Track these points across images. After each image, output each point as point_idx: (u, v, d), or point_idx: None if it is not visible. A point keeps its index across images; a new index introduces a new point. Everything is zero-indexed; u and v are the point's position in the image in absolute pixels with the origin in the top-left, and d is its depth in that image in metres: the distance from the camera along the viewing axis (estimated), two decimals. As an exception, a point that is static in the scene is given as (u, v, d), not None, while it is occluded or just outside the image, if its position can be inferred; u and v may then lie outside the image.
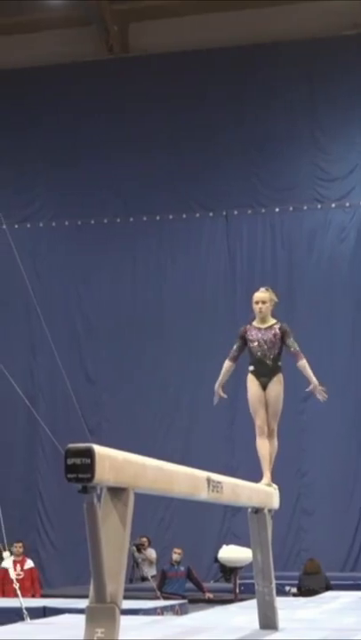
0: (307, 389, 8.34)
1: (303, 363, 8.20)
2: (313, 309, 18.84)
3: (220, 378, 8.37)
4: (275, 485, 7.90)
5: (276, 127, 19.65)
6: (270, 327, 8.17)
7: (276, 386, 8.15)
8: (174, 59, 20.07)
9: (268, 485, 7.87)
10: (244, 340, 8.21)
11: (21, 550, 14.47)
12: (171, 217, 20.04)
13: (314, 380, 8.25)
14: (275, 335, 8.14)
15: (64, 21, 20.43)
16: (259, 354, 8.15)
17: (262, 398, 8.17)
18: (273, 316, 8.28)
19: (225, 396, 8.44)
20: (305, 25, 19.52)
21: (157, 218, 20.09)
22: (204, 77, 19.98)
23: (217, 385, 8.38)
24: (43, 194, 20.67)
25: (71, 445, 3.65)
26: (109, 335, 19.78)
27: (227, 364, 8.32)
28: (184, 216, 20.04)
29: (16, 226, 18.90)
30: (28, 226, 20.32)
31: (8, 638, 7.15)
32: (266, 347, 8.14)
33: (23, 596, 10.76)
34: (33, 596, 13.15)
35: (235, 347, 8.26)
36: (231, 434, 18.03)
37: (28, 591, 11.43)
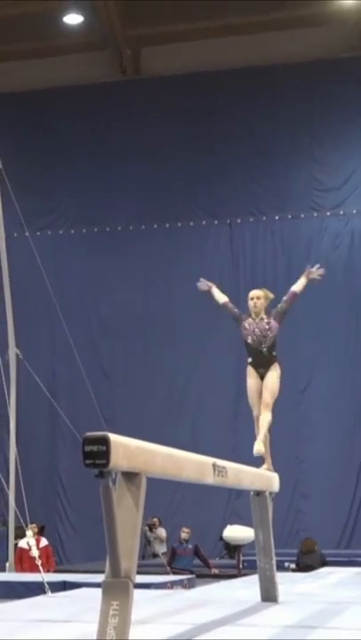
0: (309, 276, 8.54)
1: (296, 285, 8.46)
2: (310, 310, 18.81)
3: (215, 291, 8.64)
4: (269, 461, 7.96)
5: (277, 142, 19.65)
6: (262, 319, 8.26)
7: (273, 372, 8.20)
8: (183, 79, 20.08)
9: (269, 470, 7.90)
10: (240, 319, 8.32)
11: (36, 530, 14.49)
12: (179, 224, 20.06)
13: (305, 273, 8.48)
14: (268, 324, 8.23)
15: (82, 46, 20.46)
16: (254, 343, 8.21)
17: (260, 390, 8.22)
18: (266, 312, 8.37)
19: (205, 283, 8.70)
20: (305, 48, 19.54)
21: (167, 225, 20.10)
22: (210, 97, 19.99)
23: (212, 287, 8.59)
24: (62, 204, 20.71)
25: (88, 434, 3.66)
26: (123, 334, 19.80)
27: (224, 299, 8.55)
28: (191, 223, 20.05)
29: (38, 233, 18.93)
30: (49, 233, 20.36)
31: (32, 609, 7.18)
32: (261, 335, 8.21)
33: (39, 571, 10.79)
34: (48, 571, 13.16)
35: (236, 310, 8.41)
36: (235, 423, 18.02)
37: (43, 567, 11.44)
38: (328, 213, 19.51)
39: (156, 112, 20.07)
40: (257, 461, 7.98)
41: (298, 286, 8.47)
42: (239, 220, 19.90)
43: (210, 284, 8.77)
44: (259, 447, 7.91)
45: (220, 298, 8.62)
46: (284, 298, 8.44)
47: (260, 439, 8.01)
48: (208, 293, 8.78)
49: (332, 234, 19.45)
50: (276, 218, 19.75)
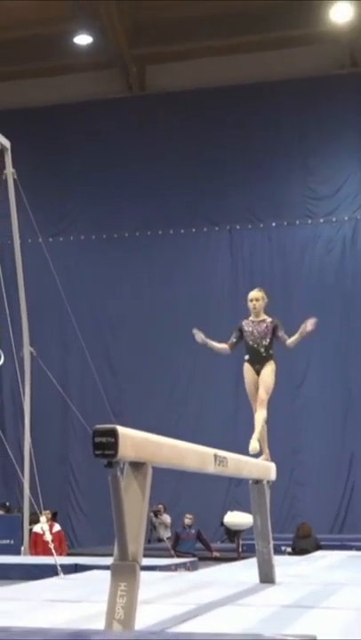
0: (305, 330, 8.03)
1: (291, 340, 8.13)
2: (305, 310, 18.73)
3: (212, 343, 8.34)
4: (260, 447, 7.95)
5: (274, 154, 19.66)
6: (263, 320, 8.25)
7: (268, 367, 8.18)
8: (185, 95, 20.11)
9: (267, 460, 7.89)
10: (241, 333, 8.28)
11: (49, 516, 14.47)
12: (182, 231, 20.06)
13: (301, 331, 8.07)
14: (266, 327, 8.21)
15: (91, 65, 20.50)
16: (252, 343, 8.21)
17: (257, 384, 8.21)
18: (265, 312, 8.34)
19: (200, 336, 8.37)
20: (300, 66, 19.57)
21: (171, 232, 20.11)
22: (211, 112, 20.00)
23: (207, 340, 8.29)
24: (73, 212, 20.73)
25: (98, 426, 3.66)
26: (130, 333, 19.80)
27: (223, 345, 8.36)
28: (193, 230, 20.05)
29: (50, 239, 18.93)
30: (61, 239, 20.36)
31: (45, 590, 7.19)
32: (259, 336, 8.20)
33: (52, 554, 10.79)
34: (60, 554, 13.15)
35: (233, 335, 8.34)
36: (235, 417, 18.01)
37: (56, 550, 11.42)
38: (321, 220, 19.51)
39: (161, 126, 20.08)
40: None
41: (292, 342, 8.11)
42: (238, 227, 19.90)
43: (201, 337, 8.40)
44: (254, 445, 7.89)
45: (218, 346, 8.34)
46: (284, 337, 8.13)
47: (255, 437, 7.98)
48: (204, 345, 8.43)
49: (325, 239, 19.45)
50: (273, 224, 19.75)
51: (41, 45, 19.81)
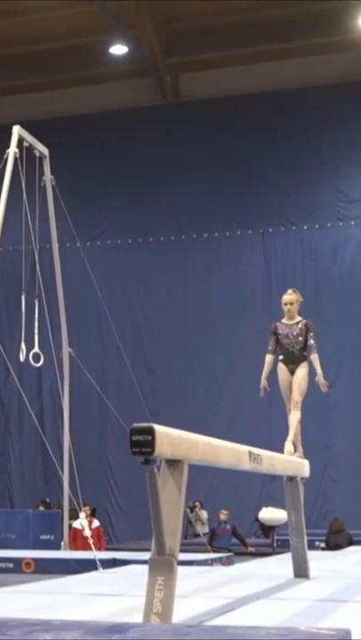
0: (316, 379, 8.29)
1: (315, 356, 8.20)
2: (336, 310, 18.72)
3: (265, 370, 8.33)
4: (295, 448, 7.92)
5: (305, 158, 19.56)
6: (297, 323, 8.22)
7: (302, 370, 8.18)
8: (218, 102, 20.07)
9: (300, 457, 7.85)
10: (276, 335, 8.25)
11: (88, 512, 14.49)
12: (216, 234, 20.02)
13: (320, 372, 8.23)
14: (301, 329, 8.20)
15: (126, 74, 20.54)
16: (287, 345, 8.18)
17: (291, 384, 8.20)
18: (299, 314, 8.32)
19: (269, 389, 8.42)
20: (329, 72, 19.45)
21: (205, 235, 20.08)
22: (243, 117, 19.94)
23: (263, 377, 8.33)
24: (110, 217, 20.76)
25: (135, 425, 3.65)
26: (166, 333, 19.80)
27: (268, 357, 8.32)
28: (227, 233, 20.01)
29: (88, 243, 18.99)
30: (98, 243, 20.42)
31: (85, 584, 7.20)
32: (293, 339, 8.17)
33: (91, 549, 10.81)
34: (99, 549, 13.18)
35: (270, 342, 8.30)
36: (269, 414, 17.92)
37: (95, 545, 11.45)
38: (352, 223, 19.38)
39: (194, 132, 20.06)
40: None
41: (314, 361, 8.20)
42: (271, 230, 19.83)
43: (265, 387, 8.42)
44: (289, 449, 7.88)
45: (269, 367, 8.33)
46: (311, 342, 8.21)
47: (290, 439, 7.97)
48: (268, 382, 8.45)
49: (357, 241, 19.32)
50: (305, 227, 19.65)
51: (78, 56, 19.93)
